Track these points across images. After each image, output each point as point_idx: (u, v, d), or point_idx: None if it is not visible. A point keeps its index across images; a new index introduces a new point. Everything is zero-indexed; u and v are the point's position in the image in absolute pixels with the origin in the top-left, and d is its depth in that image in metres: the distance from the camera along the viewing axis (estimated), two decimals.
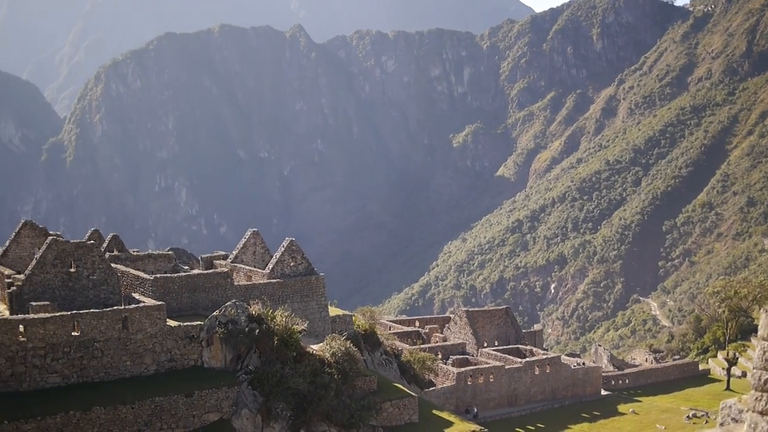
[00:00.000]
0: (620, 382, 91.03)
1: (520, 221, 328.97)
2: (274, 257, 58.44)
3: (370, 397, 49.36)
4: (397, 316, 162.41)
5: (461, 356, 77.21)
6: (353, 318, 63.10)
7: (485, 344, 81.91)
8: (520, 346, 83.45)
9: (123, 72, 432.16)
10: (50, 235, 52.82)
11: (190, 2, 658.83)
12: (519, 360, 76.93)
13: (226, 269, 56.71)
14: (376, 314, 69.84)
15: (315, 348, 50.06)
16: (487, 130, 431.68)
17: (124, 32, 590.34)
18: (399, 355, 67.04)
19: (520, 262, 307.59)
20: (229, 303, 48.86)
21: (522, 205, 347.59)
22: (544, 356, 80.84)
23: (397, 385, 55.89)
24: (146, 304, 46.80)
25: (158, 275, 52.17)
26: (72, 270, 48.35)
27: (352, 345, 51.51)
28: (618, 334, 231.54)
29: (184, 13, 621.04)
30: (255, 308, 49.42)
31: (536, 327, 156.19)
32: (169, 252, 61.16)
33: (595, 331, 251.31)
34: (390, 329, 79.49)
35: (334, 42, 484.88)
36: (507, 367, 74.78)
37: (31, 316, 42.83)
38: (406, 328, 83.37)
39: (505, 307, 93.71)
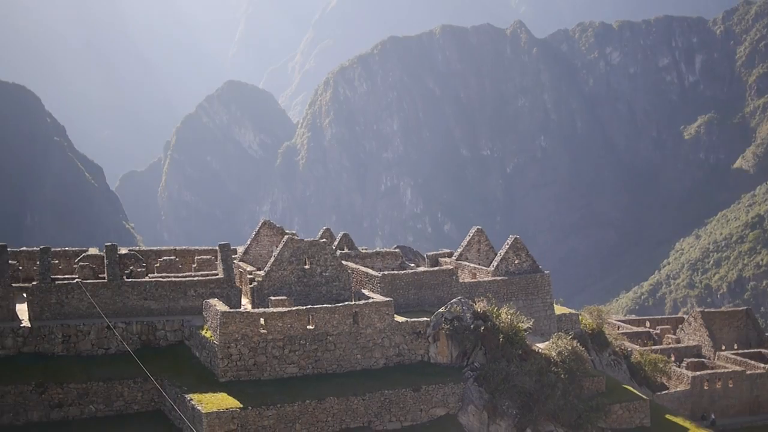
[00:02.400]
0: None
1: (761, 216, 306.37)
2: (498, 255, 58.29)
3: (598, 398, 47.92)
4: (625, 315, 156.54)
5: (696, 359, 73.06)
6: (579, 317, 61.56)
7: (723, 347, 77.12)
8: (763, 350, 77.66)
9: (350, 77, 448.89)
10: (286, 233, 55.81)
11: (412, 6, 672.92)
12: (762, 365, 71.69)
13: (451, 267, 57.27)
14: (603, 313, 67.59)
15: (540, 346, 49.37)
16: (722, 120, 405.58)
17: (351, 38, 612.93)
18: (629, 356, 64.54)
19: (762, 260, 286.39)
20: (454, 300, 49.34)
21: (763, 199, 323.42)
22: None
23: (627, 387, 53.87)
24: (375, 300, 48.25)
25: (386, 272, 53.61)
26: (306, 267, 50.85)
27: (578, 344, 50.26)
28: None
29: (406, 17, 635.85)
30: (480, 305, 49.54)
31: None
32: (396, 250, 62.64)
33: None
34: (618, 329, 76.78)
35: (556, 36, 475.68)
36: (748, 372, 69.93)
37: (271, 309, 45.51)
38: (635, 329, 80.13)
39: (745, 308, 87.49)
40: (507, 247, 57.67)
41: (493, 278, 56.08)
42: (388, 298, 48.49)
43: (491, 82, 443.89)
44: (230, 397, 41.36)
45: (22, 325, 45.98)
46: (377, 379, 45.38)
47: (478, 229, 62.43)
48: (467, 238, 61.65)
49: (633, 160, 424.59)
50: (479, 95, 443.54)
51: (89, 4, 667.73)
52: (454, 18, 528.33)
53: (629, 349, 66.56)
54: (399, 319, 48.25)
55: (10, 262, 49.28)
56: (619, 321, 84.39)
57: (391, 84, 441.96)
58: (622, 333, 74.05)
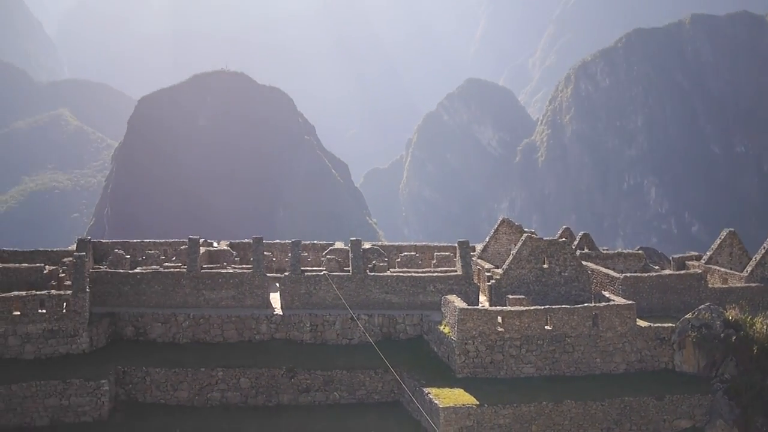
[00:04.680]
0: None
1: None
2: (753, 259, 54.33)
3: None
4: None
5: None
6: None
7: None
8: None
9: (592, 71, 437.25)
10: (525, 232, 55.40)
11: None
12: None
13: (699, 270, 54.19)
14: None
15: None
16: None
17: (593, 32, 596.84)
18: None
19: None
20: (702, 306, 46.66)
21: None
22: None
23: None
24: (616, 302, 46.82)
25: (628, 274, 51.75)
26: (545, 266, 50.25)
27: None
28: None
29: (652, 8, 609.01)
30: (731, 313, 46.50)
31: None
32: (639, 251, 60.28)
33: None
34: None
35: None
36: None
37: (509, 308, 45.49)
38: None
39: None
40: (763, 251, 53.59)
41: (748, 284, 52.36)
42: (630, 302, 46.88)
43: (747, 74, 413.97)
44: (467, 394, 41.79)
45: (275, 312, 49.33)
46: (617, 384, 43.92)
47: (730, 231, 58.49)
48: (718, 241, 57.99)
49: None
50: (733, 89, 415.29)
51: (337, 7, 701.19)
52: (705, 6, 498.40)
53: None
54: (641, 323, 46.46)
55: (265, 253, 52.95)
56: None
57: (635, 78, 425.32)
58: None
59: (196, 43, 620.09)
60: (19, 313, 45.00)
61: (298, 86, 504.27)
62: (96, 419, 43.01)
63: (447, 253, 56.21)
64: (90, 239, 55.13)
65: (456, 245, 53.02)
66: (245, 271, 51.23)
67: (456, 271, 51.77)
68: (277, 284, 51.39)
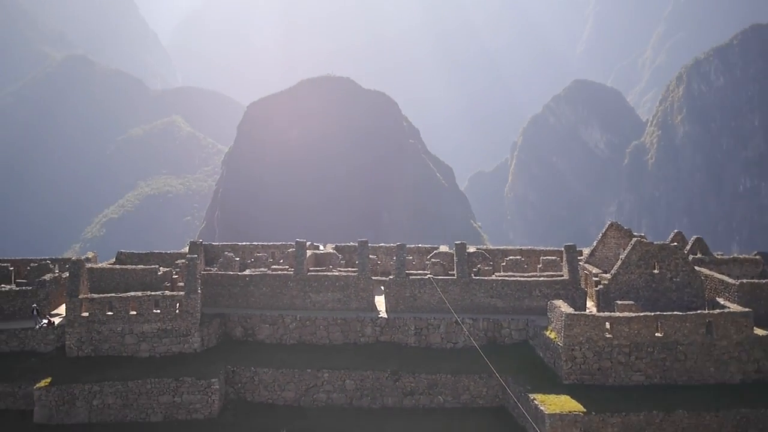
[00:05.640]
0: None
1: None
2: None
3: None
4: None
5: None
6: None
7: None
8: None
9: (705, 70, 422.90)
10: (634, 236, 54.07)
11: None
12: None
13: None
14: None
15: None
16: None
17: (706, 29, 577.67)
18: None
19: None
20: None
21: None
22: None
23: None
24: (731, 309, 45.06)
25: (744, 280, 49.70)
26: (655, 271, 48.85)
27: None
28: None
29: None
30: None
31: None
32: (757, 256, 57.78)
33: None
34: None
35: None
36: None
37: (617, 314, 44.40)
38: None
39: None
40: None
41: None
42: (746, 309, 44.97)
43: None
44: (573, 400, 41.03)
45: (380, 315, 49.65)
46: (733, 395, 42.17)
47: None
48: None
49: None
50: None
51: (441, 9, 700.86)
52: None
53: None
54: (759, 332, 44.51)
55: (370, 256, 53.37)
56: None
57: (752, 76, 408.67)
58: None
59: (303, 49, 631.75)
60: (135, 312, 46.93)
61: (403, 90, 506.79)
62: (207, 417, 44.32)
63: (553, 258, 55.40)
64: (201, 242, 56.97)
65: (562, 249, 52.24)
66: (351, 274, 51.78)
67: (562, 275, 50.95)
68: (382, 287, 51.72)
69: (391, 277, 51.12)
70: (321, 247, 60.22)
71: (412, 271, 53.19)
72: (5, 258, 57.54)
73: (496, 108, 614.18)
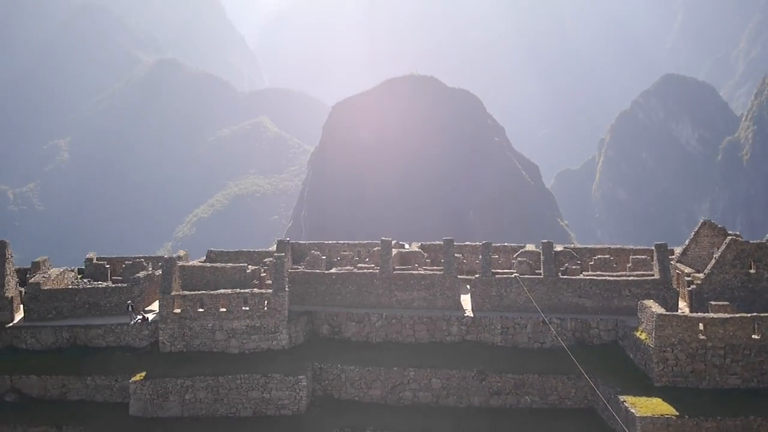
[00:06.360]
0: None
1: None
2: None
3: None
4: None
5: None
6: None
7: None
8: None
9: None
10: (729, 234, 52.41)
11: None
12: None
13: None
14: None
15: None
16: None
17: None
18: None
19: None
20: None
21: None
22: None
23: None
24: None
25: None
26: (752, 271, 47.35)
27: None
28: None
29: None
30: None
31: None
32: None
33: None
34: None
35: None
36: None
37: (711, 315, 43.13)
38: None
39: None
40: None
41: None
42: None
43: None
44: (665, 403, 40.02)
45: (465, 314, 49.46)
46: None
47: None
48: None
49: None
50: None
51: (526, 4, 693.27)
52: None
53: None
54: None
55: (456, 255, 53.20)
56: None
57: None
58: None
59: (388, 48, 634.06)
60: (225, 309, 47.95)
61: (487, 87, 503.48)
62: (294, 413, 44.94)
63: (643, 257, 54.13)
64: (289, 240, 57.78)
65: (653, 248, 51.04)
66: (436, 272, 51.73)
67: (653, 275, 49.75)
68: (468, 286, 51.49)
69: (477, 275, 50.86)
70: (406, 246, 60.28)
71: (498, 270, 52.78)
72: (102, 256, 59.59)
73: (582, 104, 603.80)
